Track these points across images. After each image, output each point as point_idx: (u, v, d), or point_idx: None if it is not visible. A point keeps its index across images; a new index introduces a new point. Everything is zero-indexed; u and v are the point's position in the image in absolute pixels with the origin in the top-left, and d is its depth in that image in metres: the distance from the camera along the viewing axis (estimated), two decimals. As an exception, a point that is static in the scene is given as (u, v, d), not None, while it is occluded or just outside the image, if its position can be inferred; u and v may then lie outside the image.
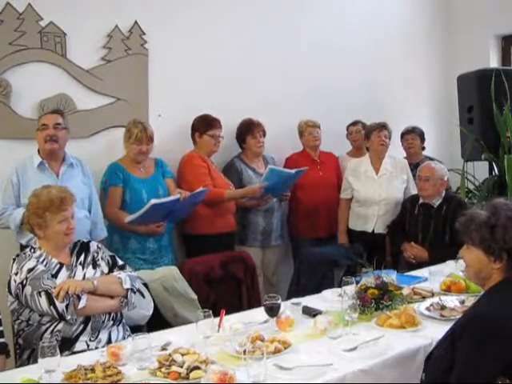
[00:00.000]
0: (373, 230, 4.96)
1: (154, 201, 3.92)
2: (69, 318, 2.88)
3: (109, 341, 3.02)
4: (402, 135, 5.58)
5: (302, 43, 5.54)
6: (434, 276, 3.62)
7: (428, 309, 3.10)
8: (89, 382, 2.31)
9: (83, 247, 3.21)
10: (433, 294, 3.36)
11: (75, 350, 2.91)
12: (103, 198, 4.23)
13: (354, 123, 5.60)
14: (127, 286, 3.08)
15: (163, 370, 2.38)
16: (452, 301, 3.18)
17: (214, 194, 4.46)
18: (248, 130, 4.93)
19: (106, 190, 4.22)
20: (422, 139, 5.57)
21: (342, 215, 5.14)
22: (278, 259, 5.19)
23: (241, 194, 4.72)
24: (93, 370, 2.40)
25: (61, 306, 2.85)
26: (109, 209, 4.19)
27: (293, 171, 4.74)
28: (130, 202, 4.18)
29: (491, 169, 5.55)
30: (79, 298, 2.89)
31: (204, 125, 4.64)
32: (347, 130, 5.65)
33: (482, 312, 2.19)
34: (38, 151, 3.88)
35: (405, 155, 5.58)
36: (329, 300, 3.34)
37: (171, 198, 4.13)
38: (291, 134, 5.33)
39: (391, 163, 5.06)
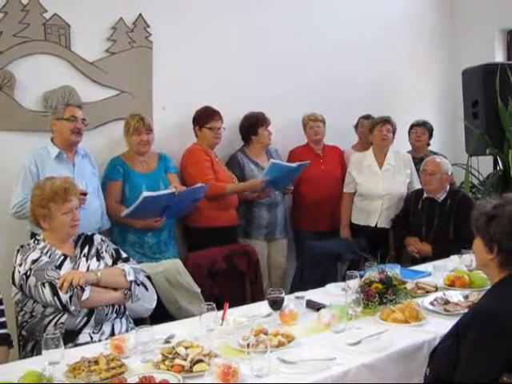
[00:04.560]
0: (376, 225, 4.95)
1: (145, 193, 3.90)
2: (72, 309, 2.88)
3: (112, 333, 3.02)
4: (412, 127, 5.54)
5: (309, 38, 5.52)
6: (437, 271, 3.61)
7: (432, 303, 3.09)
8: (92, 374, 2.31)
9: (87, 239, 3.21)
10: (437, 289, 3.35)
11: (78, 342, 2.92)
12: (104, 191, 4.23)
13: (367, 117, 5.51)
14: (131, 278, 3.08)
15: (167, 362, 2.38)
16: (456, 295, 3.17)
17: (216, 188, 4.46)
18: (262, 122, 4.90)
19: (106, 184, 4.22)
20: (430, 135, 5.54)
21: (345, 209, 5.11)
22: (284, 252, 5.16)
23: (242, 187, 4.72)
24: (96, 362, 2.40)
25: (64, 297, 2.86)
26: (108, 202, 4.18)
27: (295, 165, 4.72)
28: (130, 197, 4.16)
29: (496, 163, 5.52)
30: (83, 290, 2.89)
31: (203, 117, 4.63)
32: (358, 121, 5.60)
33: (487, 307, 2.18)
34: (51, 141, 3.90)
35: (409, 148, 5.55)
36: (332, 294, 3.33)
37: (165, 191, 4.11)
38: (297, 127, 5.32)
39: (395, 158, 5.04)
